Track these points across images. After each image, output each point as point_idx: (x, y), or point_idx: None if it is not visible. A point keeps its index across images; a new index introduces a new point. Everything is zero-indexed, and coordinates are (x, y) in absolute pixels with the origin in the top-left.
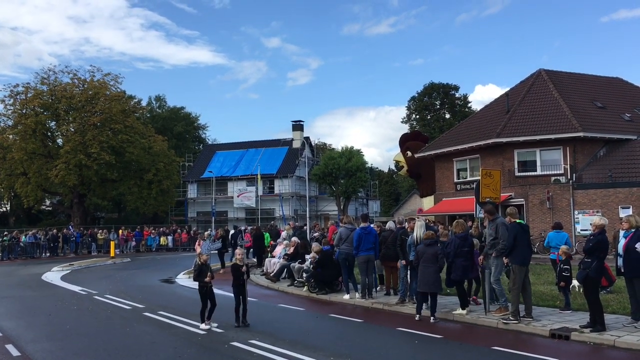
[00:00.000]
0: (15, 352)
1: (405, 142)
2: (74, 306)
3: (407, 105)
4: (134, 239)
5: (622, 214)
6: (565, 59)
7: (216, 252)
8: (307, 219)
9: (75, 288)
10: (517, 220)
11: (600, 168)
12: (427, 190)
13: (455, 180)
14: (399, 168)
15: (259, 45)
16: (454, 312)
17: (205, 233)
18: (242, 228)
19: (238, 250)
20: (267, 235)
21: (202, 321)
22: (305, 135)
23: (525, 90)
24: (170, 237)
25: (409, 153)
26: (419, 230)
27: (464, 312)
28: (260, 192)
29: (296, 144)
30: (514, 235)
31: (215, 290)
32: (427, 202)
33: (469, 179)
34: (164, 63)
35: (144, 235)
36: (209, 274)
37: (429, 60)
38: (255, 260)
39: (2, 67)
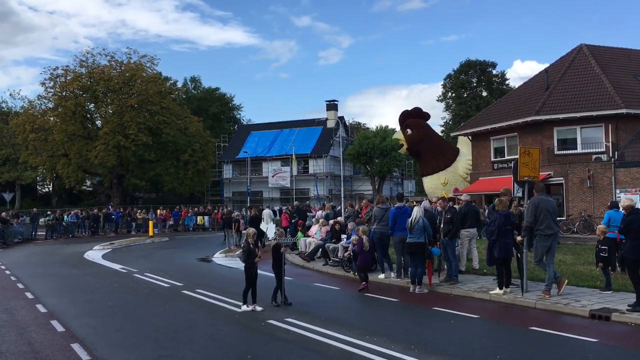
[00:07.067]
0: (60, 328)
1: (406, 119)
2: (115, 284)
3: (442, 83)
4: (172, 219)
5: None
6: (607, 34)
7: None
8: (342, 198)
9: (116, 266)
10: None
11: None
12: (428, 169)
13: (492, 159)
14: (399, 146)
15: (289, 24)
16: (490, 292)
17: (236, 213)
18: (277, 208)
19: (278, 231)
20: None
21: (245, 302)
22: (338, 114)
23: (566, 66)
24: (207, 217)
25: (409, 131)
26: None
27: (501, 292)
28: (294, 172)
29: (330, 124)
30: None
31: None
32: (428, 182)
33: (506, 157)
34: (198, 44)
35: (182, 215)
36: (258, 253)
37: (462, 36)
38: (291, 239)
39: (40, 50)
